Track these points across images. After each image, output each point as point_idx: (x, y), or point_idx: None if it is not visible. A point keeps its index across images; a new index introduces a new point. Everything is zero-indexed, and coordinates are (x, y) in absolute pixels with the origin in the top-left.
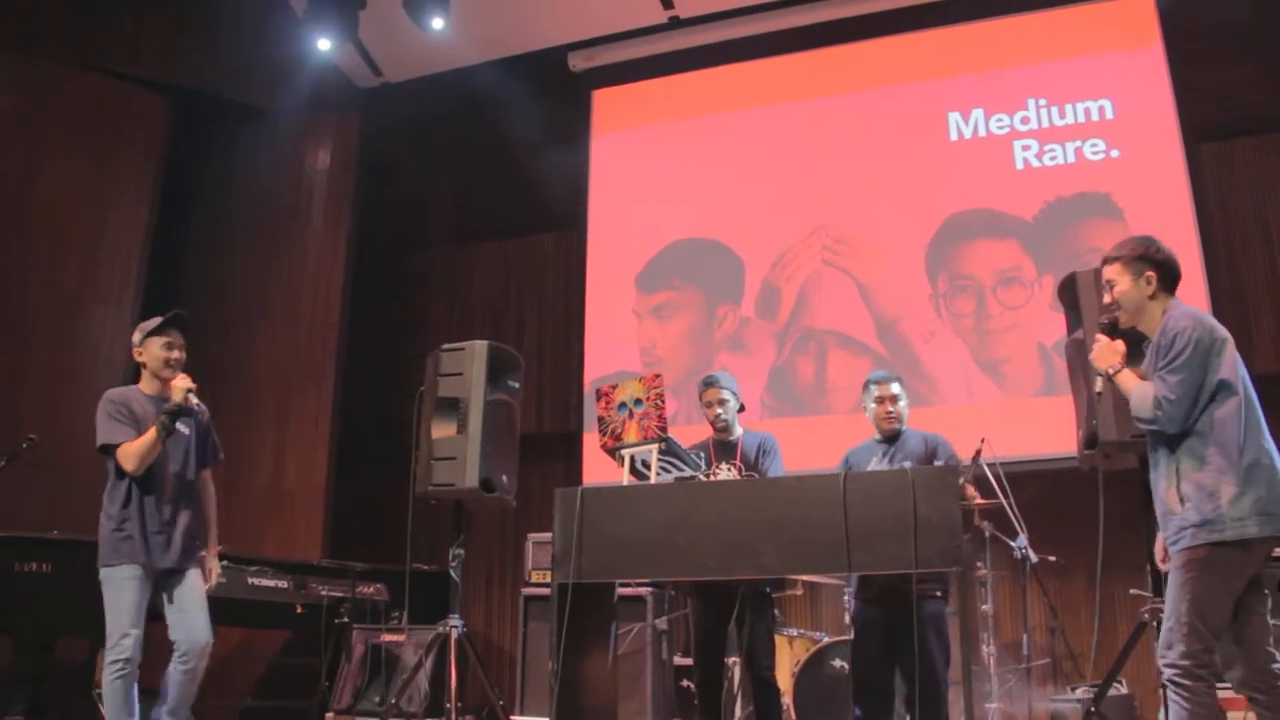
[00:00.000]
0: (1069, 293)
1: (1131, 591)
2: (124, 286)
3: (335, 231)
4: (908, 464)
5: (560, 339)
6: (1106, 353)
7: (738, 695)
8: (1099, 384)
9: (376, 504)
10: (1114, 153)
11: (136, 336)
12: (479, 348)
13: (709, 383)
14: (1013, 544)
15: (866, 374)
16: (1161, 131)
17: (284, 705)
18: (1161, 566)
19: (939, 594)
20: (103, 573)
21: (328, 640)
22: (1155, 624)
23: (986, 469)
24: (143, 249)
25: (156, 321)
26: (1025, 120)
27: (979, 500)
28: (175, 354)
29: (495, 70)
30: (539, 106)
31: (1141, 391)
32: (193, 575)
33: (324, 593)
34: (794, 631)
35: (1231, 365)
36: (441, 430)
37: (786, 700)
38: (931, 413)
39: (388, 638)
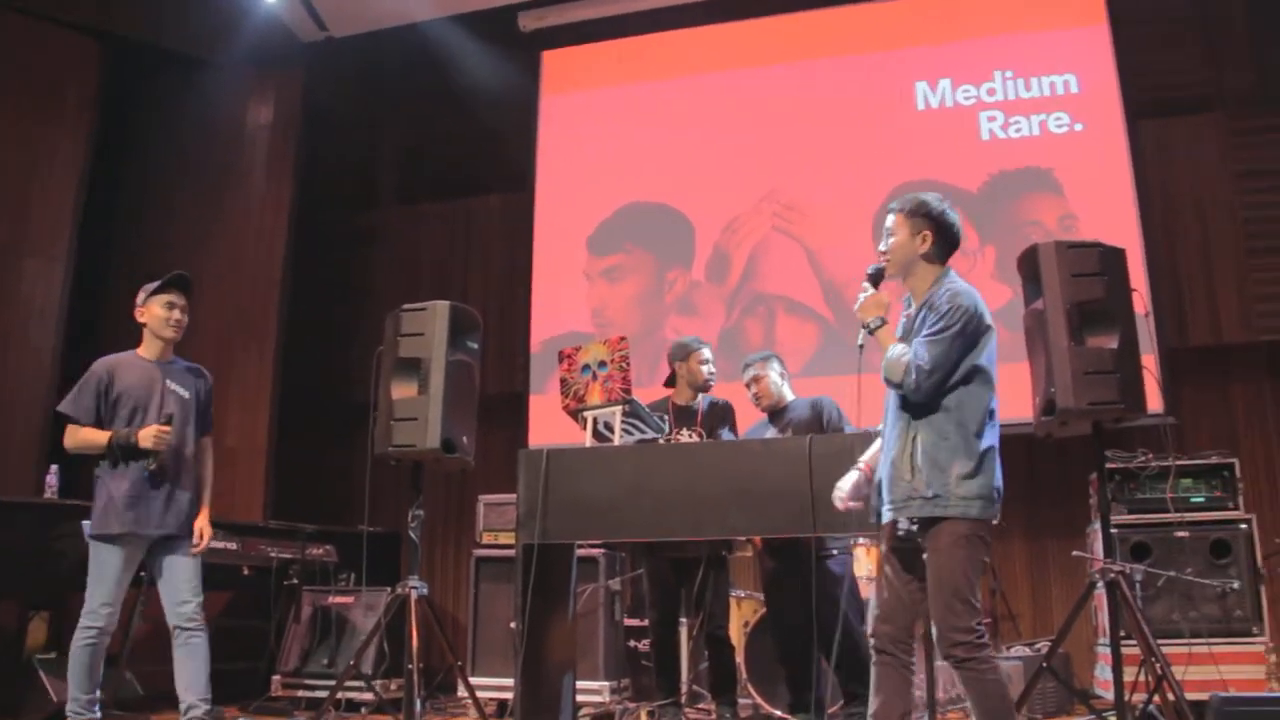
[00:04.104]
0: (1029, 264)
1: (1074, 553)
2: (56, 240)
3: (277, 189)
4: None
5: (506, 300)
6: (871, 306)
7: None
8: (861, 336)
9: (317, 465)
10: (1078, 126)
11: (140, 297)
12: (440, 308)
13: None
14: None
15: (815, 338)
16: (1109, 108)
17: (231, 668)
18: (841, 506)
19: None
20: (92, 542)
21: (278, 602)
22: (1105, 584)
23: None
24: (75, 201)
25: (158, 283)
26: (991, 92)
27: None
28: (176, 314)
29: (443, 28)
30: (488, 66)
31: (897, 354)
32: (184, 544)
33: (273, 554)
34: (741, 593)
35: (990, 355)
36: (402, 391)
37: (739, 658)
38: (877, 378)
39: (337, 600)
